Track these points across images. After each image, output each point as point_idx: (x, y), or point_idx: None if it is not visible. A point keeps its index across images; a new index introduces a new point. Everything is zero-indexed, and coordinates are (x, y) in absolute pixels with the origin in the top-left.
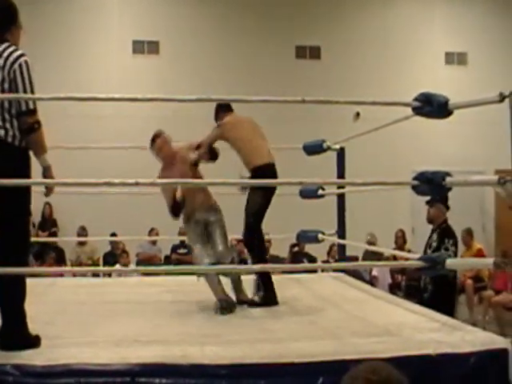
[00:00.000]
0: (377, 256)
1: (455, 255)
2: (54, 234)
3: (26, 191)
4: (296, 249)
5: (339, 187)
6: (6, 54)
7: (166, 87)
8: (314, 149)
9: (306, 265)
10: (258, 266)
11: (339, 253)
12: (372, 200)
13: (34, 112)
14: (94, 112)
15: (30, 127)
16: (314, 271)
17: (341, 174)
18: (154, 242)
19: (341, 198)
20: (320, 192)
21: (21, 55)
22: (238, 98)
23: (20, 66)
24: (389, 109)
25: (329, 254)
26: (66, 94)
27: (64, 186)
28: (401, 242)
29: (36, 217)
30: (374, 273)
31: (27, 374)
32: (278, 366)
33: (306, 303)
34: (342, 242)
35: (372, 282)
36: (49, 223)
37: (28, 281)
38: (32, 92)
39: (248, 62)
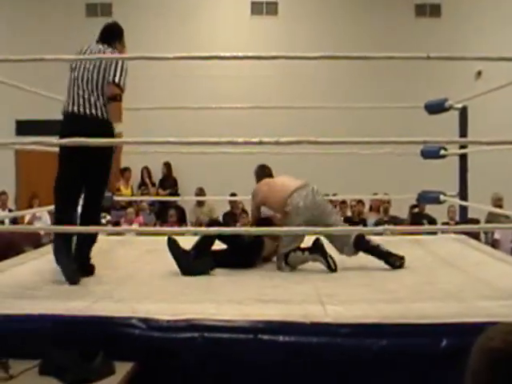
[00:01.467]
0: (501, 219)
1: None
2: (175, 193)
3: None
4: (416, 210)
5: (461, 147)
6: (107, 50)
7: (282, 48)
8: (436, 108)
9: (428, 226)
10: (382, 228)
11: (461, 215)
12: (497, 161)
13: (119, 86)
14: (208, 72)
15: (115, 96)
16: (435, 233)
17: (463, 133)
18: None
19: (463, 159)
20: (442, 152)
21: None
22: (361, 55)
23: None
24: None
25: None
26: (189, 53)
27: (185, 145)
28: None
29: (157, 176)
30: (496, 236)
31: (152, 328)
32: (401, 326)
33: (426, 264)
34: (463, 203)
35: (494, 245)
36: (168, 182)
37: (148, 239)
38: (122, 71)
39: (367, 22)
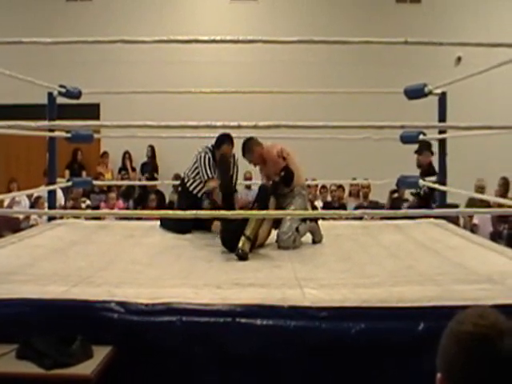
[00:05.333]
0: (482, 204)
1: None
2: (153, 178)
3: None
4: (396, 195)
5: (440, 132)
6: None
7: (263, 33)
8: (416, 93)
9: (406, 211)
10: (360, 211)
11: (440, 200)
12: (477, 147)
13: (210, 178)
14: (191, 58)
15: (211, 191)
16: (414, 217)
17: (442, 118)
18: (249, 187)
19: (442, 144)
20: (421, 137)
21: (202, 151)
22: (339, 39)
23: (199, 156)
24: (490, 54)
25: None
26: (168, 37)
27: (165, 128)
28: (503, 190)
29: (139, 160)
30: (475, 221)
31: (131, 312)
32: (379, 309)
33: (406, 249)
34: (442, 188)
35: (473, 230)
36: (149, 166)
37: (129, 223)
38: (205, 167)
39: (347, 6)
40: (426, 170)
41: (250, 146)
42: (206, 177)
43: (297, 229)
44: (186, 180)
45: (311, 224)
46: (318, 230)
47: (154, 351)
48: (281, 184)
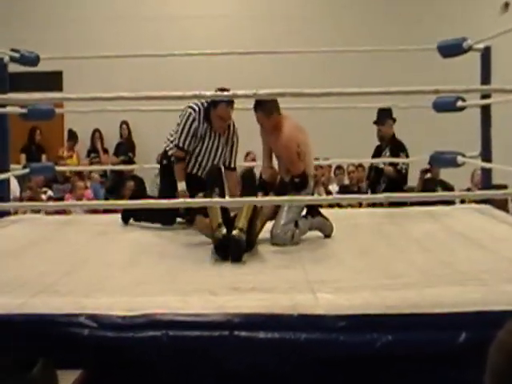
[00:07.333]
0: None
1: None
2: (130, 161)
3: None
4: (428, 175)
5: (483, 97)
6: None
7: None
8: (452, 49)
9: (443, 193)
10: (384, 195)
11: (483, 180)
12: None
13: (179, 148)
14: (174, 13)
15: (176, 158)
16: (451, 202)
17: (485, 80)
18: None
19: (485, 111)
20: (460, 104)
21: (188, 107)
22: None
23: (185, 113)
24: None
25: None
26: None
27: (144, 100)
28: None
29: (110, 141)
30: None
31: (105, 326)
32: (409, 317)
33: (442, 241)
34: (486, 165)
35: None
36: (124, 147)
37: (101, 218)
38: (182, 131)
39: None
40: (390, 143)
41: (271, 106)
42: (177, 142)
43: (296, 223)
44: (167, 148)
45: (314, 220)
46: (325, 223)
47: (135, 374)
48: (290, 188)
